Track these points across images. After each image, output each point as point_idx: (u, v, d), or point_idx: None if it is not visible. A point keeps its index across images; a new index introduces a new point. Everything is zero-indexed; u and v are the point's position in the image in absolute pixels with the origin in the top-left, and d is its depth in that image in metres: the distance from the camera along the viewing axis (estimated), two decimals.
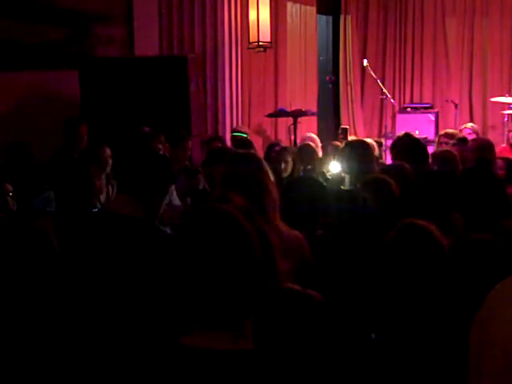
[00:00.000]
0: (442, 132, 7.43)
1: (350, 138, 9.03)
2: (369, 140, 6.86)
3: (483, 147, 5.46)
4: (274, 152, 5.99)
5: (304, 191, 3.22)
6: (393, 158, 5.18)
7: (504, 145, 8.17)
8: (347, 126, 10.10)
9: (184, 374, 1.37)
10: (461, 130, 7.88)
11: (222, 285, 1.41)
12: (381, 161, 6.46)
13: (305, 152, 6.00)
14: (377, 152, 6.69)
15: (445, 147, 6.22)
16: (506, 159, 5.68)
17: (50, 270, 2.60)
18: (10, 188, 3.80)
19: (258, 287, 1.45)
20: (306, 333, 2.03)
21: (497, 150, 6.15)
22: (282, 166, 5.44)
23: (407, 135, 6.26)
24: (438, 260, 2.54)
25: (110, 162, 4.78)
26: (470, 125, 8.29)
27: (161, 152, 5.25)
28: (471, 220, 3.22)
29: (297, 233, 2.82)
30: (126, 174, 2.59)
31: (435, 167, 5.14)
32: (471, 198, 3.41)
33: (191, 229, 1.47)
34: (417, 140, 5.51)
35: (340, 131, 9.33)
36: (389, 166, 5.10)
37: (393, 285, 2.61)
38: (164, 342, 1.46)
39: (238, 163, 2.91)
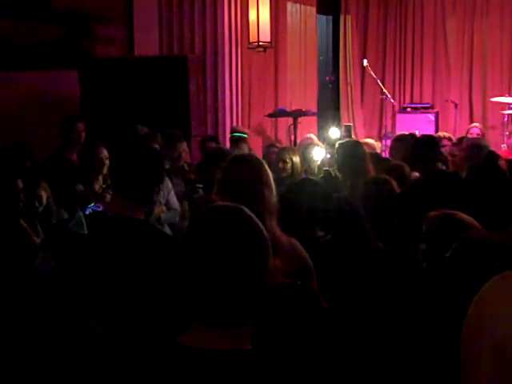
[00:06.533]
0: (440, 135, 7.43)
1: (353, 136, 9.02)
2: (369, 140, 6.87)
3: (480, 147, 5.46)
4: (272, 153, 6.00)
5: (305, 193, 3.22)
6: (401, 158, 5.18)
7: (504, 145, 8.19)
8: (351, 124, 10.06)
9: (181, 374, 1.37)
10: (469, 129, 7.91)
11: (230, 283, 1.40)
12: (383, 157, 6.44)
13: (308, 152, 6.02)
14: (378, 151, 6.71)
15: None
16: (509, 161, 5.68)
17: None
18: (21, 185, 3.80)
19: (264, 286, 1.46)
20: (303, 327, 2.02)
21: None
22: (280, 165, 5.43)
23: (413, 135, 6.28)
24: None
25: (107, 162, 4.66)
26: (478, 124, 8.32)
27: None
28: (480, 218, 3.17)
29: (293, 239, 2.78)
30: (124, 176, 2.56)
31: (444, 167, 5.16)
32: (479, 195, 3.37)
33: (204, 227, 1.46)
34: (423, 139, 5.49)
35: (343, 129, 9.22)
36: (390, 165, 5.10)
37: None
38: (161, 342, 1.45)
39: (236, 166, 2.87)
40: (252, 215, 1.48)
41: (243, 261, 1.41)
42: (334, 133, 7.66)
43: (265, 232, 1.47)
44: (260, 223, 1.48)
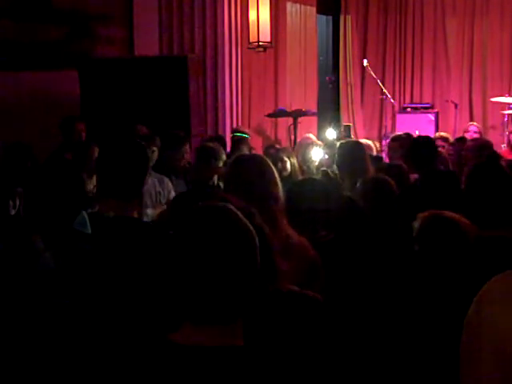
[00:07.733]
0: (436, 135, 7.44)
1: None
2: (365, 141, 6.88)
3: (485, 147, 5.47)
4: (270, 154, 6.00)
5: (306, 192, 3.22)
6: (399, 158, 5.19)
7: (504, 145, 8.19)
8: (350, 124, 10.06)
9: (173, 371, 1.38)
10: (466, 129, 7.92)
11: (218, 280, 1.41)
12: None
13: (307, 153, 6.03)
14: (374, 152, 6.72)
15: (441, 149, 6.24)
16: (508, 161, 5.69)
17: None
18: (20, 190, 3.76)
19: (255, 285, 1.46)
20: (300, 332, 2.02)
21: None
22: (279, 165, 5.43)
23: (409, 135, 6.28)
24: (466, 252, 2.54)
25: None
26: (475, 124, 8.34)
27: (155, 154, 5.16)
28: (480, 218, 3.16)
29: (303, 238, 2.78)
30: (110, 179, 2.57)
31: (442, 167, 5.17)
32: (481, 195, 3.36)
33: (189, 225, 1.48)
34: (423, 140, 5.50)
35: (342, 129, 9.21)
36: (388, 165, 5.12)
37: (422, 277, 2.60)
38: (153, 339, 1.46)
39: (242, 166, 2.85)
40: (239, 214, 1.48)
41: (229, 259, 1.42)
42: (331, 133, 7.67)
43: (252, 230, 1.48)
44: (247, 222, 1.48)
